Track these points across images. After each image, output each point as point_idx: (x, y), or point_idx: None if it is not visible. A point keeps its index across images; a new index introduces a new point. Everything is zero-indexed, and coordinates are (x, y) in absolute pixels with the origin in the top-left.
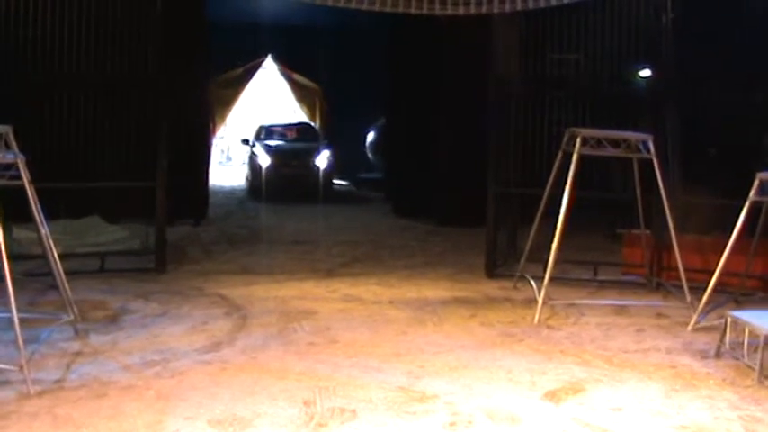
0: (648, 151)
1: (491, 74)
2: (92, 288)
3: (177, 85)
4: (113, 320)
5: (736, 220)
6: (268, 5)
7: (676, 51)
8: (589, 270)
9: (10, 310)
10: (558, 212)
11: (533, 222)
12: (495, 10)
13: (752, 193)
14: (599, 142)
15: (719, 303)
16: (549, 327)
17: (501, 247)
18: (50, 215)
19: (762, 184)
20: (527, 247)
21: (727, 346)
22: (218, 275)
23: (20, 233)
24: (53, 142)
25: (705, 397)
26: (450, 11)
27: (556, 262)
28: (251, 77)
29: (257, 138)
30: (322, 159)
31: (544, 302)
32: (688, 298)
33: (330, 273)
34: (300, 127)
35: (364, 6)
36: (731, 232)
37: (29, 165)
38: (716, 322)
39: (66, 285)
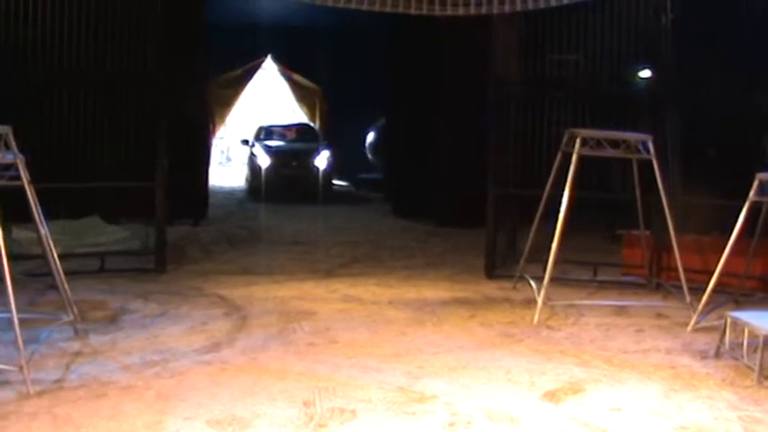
0: (648, 152)
1: (490, 74)
2: (91, 288)
3: (177, 83)
4: (113, 321)
5: (736, 221)
6: (268, 6)
7: (676, 52)
8: (589, 271)
9: (10, 311)
10: (558, 213)
11: (533, 223)
12: (495, 11)
13: (751, 193)
14: (598, 143)
15: (719, 304)
16: (548, 327)
17: (500, 248)
18: (50, 215)
19: (761, 184)
20: (526, 248)
21: (727, 346)
22: (218, 276)
23: (19, 233)
24: (52, 142)
25: (705, 397)
26: (449, 11)
27: (555, 262)
28: (251, 78)
29: (257, 138)
30: (321, 160)
31: (543, 303)
32: (688, 298)
33: (330, 273)
34: (300, 127)
35: (364, 7)
36: (731, 233)
37: (28, 165)
38: (715, 323)
39: (66, 285)
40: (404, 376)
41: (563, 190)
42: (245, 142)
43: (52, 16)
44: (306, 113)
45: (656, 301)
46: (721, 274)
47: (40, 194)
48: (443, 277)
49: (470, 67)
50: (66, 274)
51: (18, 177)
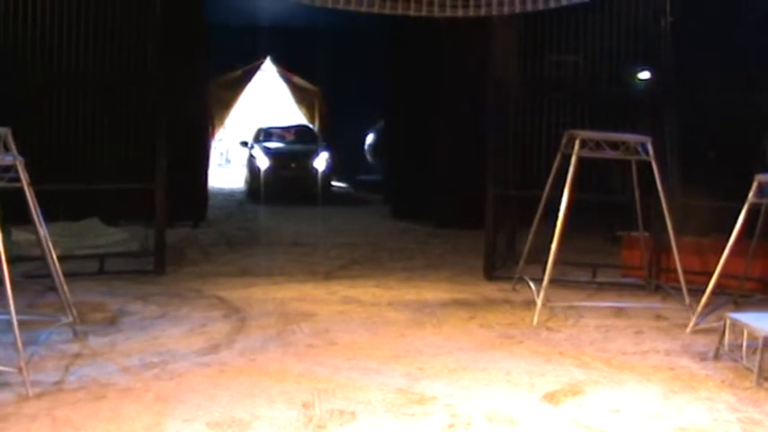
0: (647, 153)
1: (490, 76)
2: (91, 290)
3: (176, 84)
4: (112, 322)
5: (735, 222)
6: (267, 7)
7: (675, 54)
8: (588, 272)
9: (9, 312)
10: (557, 214)
11: (532, 224)
12: (494, 12)
13: (750, 194)
14: (598, 144)
15: (718, 305)
16: (548, 329)
17: (500, 249)
18: (50, 217)
19: (760, 185)
20: (526, 249)
21: (726, 348)
22: (217, 277)
23: (19, 235)
24: (52, 143)
25: (704, 399)
26: (448, 13)
27: (555, 264)
28: (250, 79)
29: (256, 140)
30: (320, 161)
31: (543, 304)
32: (687, 300)
33: (329, 275)
34: (299, 129)
35: (363, 8)
36: (730, 234)
37: (28, 166)
38: (715, 324)
39: (65, 287)
40: (403, 378)
41: (562, 191)
42: (245, 144)
43: (51, 17)
44: (305, 115)
45: (655, 303)
46: (720, 276)
47: (39, 196)
48: (443, 279)
49: (470, 69)
50: (65, 275)
51: (17, 179)
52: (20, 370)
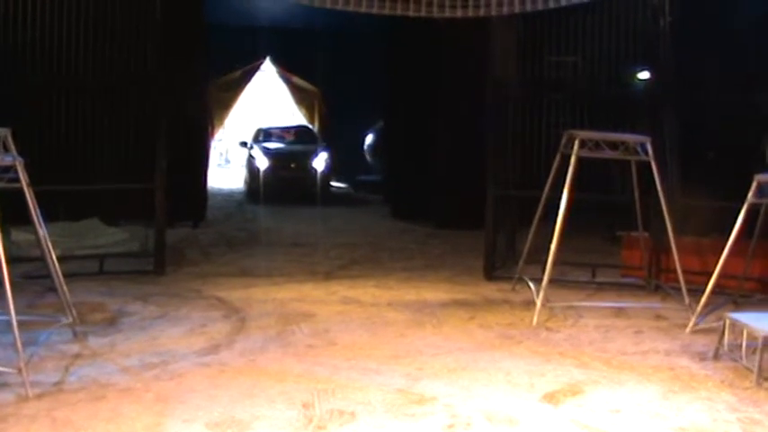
0: (647, 153)
1: (489, 76)
2: (90, 290)
3: (176, 84)
4: (112, 323)
5: (735, 223)
6: (267, 8)
7: (674, 54)
8: (588, 272)
9: (8, 313)
10: (557, 214)
11: (532, 224)
12: (493, 12)
13: (750, 195)
14: (597, 144)
15: (718, 305)
16: (547, 329)
17: (500, 250)
18: (49, 217)
19: (760, 186)
20: (525, 250)
21: (726, 348)
22: (217, 278)
23: (18, 235)
24: (52, 144)
25: (703, 399)
26: (447, 13)
27: (554, 264)
28: (250, 80)
29: (255, 140)
30: (319, 162)
31: (543, 304)
32: (686, 300)
33: (329, 275)
34: (298, 129)
35: (362, 9)
36: (729, 234)
37: (27, 167)
38: (714, 324)
39: (65, 288)
40: (403, 378)
41: (562, 191)
42: (244, 144)
43: (51, 18)
44: (305, 115)
45: (654, 303)
46: (720, 276)
47: (39, 196)
48: (443, 279)
49: (469, 69)
50: (65, 276)
51: (17, 179)
52: (19, 370)
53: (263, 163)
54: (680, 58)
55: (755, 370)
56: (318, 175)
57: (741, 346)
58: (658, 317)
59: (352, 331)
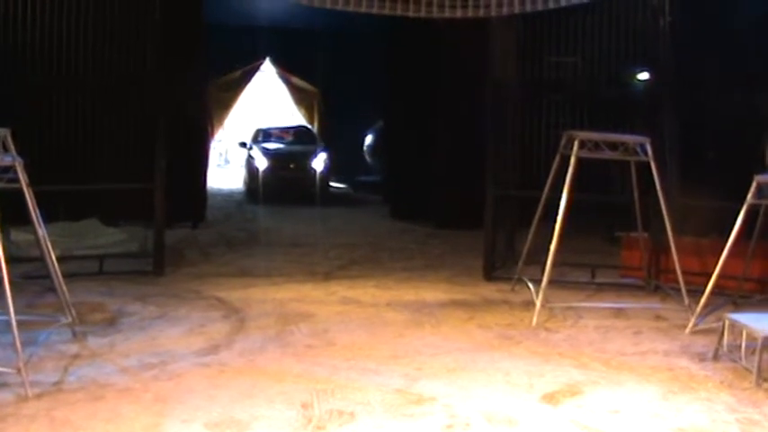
0: (646, 154)
1: (489, 77)
2: (90, 290)
3: (175, 85)
4: (111, 323)
5: (734, 223)
6: (266, 8)
7: (674, 54)
8: (587, 273)
9: (8, 313)
10: (557, 215)
11: (531, 225)
12: (493, 13)
13: (749, 195)
14: (596, 145)
15: (717, 306)
16: (546, 329)
17: (499, 250)
18: (49, 217)
19: (759, 186)
20: (525, 250)
21: (725, 348)
22: (216, 278)
23: (18, 236)
24: (51, 144)
25: (703, 399)
26: (447, 14)
27: (554, 265)
28: (249, 80)
29: (254, 140)
30: (319, 162)
31: (542, 305)
32: (686, 301)
33: (328, 275)
34: (297, 130)
35: (362, 9)
36: (729, 235)
37: (27, 167)
38: (714, 325)
39: (64, 288)
40: (402, 378)
41: (561, 192)
42: (243, 144)
43: (51, 18)
44: (304, 116)
45: (654, 304)
46: (719, 277)
47: (38, 197)
48: (442, 279)
49: (469, 70)
50: (64, 276)
51: (17, 180)
52: (19, 370)
53: (262, 163)
54: (679, 58)
55: (755, 371)
56: (317, 175)
57: (740, 346)
58: (658, 317)
59: (351, 331)
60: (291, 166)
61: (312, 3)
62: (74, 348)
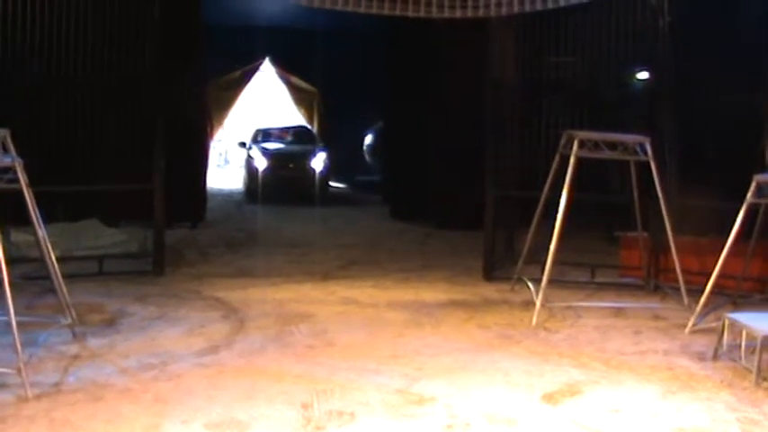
0: (645, 154)
1: (488, 77)
2: (89, 291)
3: (175, 84)
4: (111, 323)
5: (734, 223)
6: (265, 8)
7: (673, 54)
8: (587, 272)
9: (8, 314)
10: (556, 215)
11: (531, 225)
12: (492, 13)
13: (749, 195)
14: (596, 145)
15: (717, 305)
16: (546, 329)
17: (499, 250)
18: (49, 218)
19: (759, 186)
20: (524, 250)
21: (725, 348)
22: (216, 278)
23: (18, 236)
24: (51, 144)
25: (702, 399)
26: (446, 14)
27: (553, 264)
28: (249, 80)
29: (254, 141)
30: (318, 162)
31: (542, 305)
32: (686, 300)
33: (327, 276)
34: (297, 130)
35: (361, 9)
36: (728, 234)
37: (26, 168)
38: (713, 324)
39: (64, 288)
40: (402, 378)
41: (561, 192)
42: (243, 145)
43: (50, 19)
44: (304, 116)
45: (653, 303)
46: (719, 276)
47: (38, 197)
48: (441, 279)
49: (468, 70)
50: (64, 277)
51: (16, 180)
52: (18, 371)
53: (261, 163)
54: (679, 58)
55: (754, 370)
56: (317, 175)
57: (740, 346)
58: (657, 317)
59: (350, 332)
60: (291, 166)
61: (312, 3)
62: (73, 349)
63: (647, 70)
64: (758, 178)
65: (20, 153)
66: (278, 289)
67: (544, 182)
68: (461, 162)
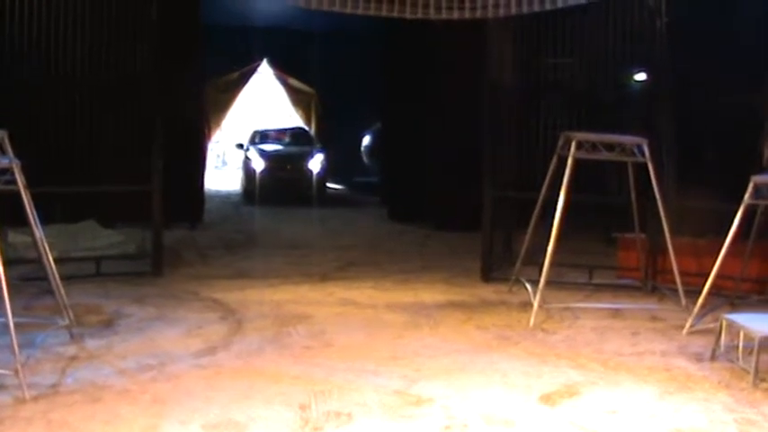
0: (643, 155)
1: (486, 78)
2: (87, 292)
3: (173, 86)
4: (109, 325)
5: (731, 224)
6: (263, 9)
7: (671, 55)
8: (584, 273)
9: (5, 315)
10: (554, 216)
11: (529, 226)
12: (489, 14)
13: (746, 196)
14: (594, 146)
15: (715, 306)
16: (544, 330)
17: (497, 251)
18: (46, 219)
19: (756, 187)
20: (522, 251)
21: (722, 349)
22: (214, 279)
23: (15, 237)
24: (49, 146)
25: (700, 400)
26: (444, 15)
27: (551, 265)
28: (247, 81)
29: (251, 142)
30: (315, 163)
31: (539, 306)
32: (683, 301)
33: (325, 277)
34: (294, 131)
35: (359, 11)
36: (726, 235)
37: (24, 169)
38: (711, 325)
39: (62, 290)
40: (400, 379)
41: (559, 193)
42: (240, 146)
43: (48, 19)
44: (301, 117)
45: (651, 304)
46: (717, 277)
47: (35, 198)
48: (440, 280)
49: (466, 71)
50: (61, 278)
51: (14, 181)
52: (16, 372)
53: (258, 165)
54: (676, 59)
55: (752, 371)
56: (314, 176)
57: (738, 347)
58: (655, 318)
59: (348, 333)
60: (288, 167)
61: (309, 4)
62: (71, 350)
63: (644, 71)
64: (756, 179)
65: (17, 154)
66: (276, 290)
67: (542, 183)
68: (459, 163)
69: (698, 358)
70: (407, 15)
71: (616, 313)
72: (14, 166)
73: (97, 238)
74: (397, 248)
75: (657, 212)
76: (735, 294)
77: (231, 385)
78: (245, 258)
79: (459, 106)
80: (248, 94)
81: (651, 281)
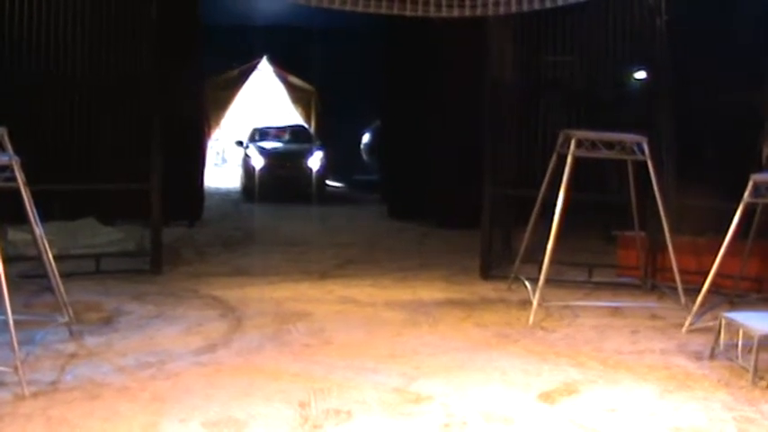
0: (643, 153)
1: (486, 76)
2: (87, 289)
3: (172, 83)
4: (108, 322)
5: (731, 222)
6: (263, 7)
7: (670, 53)
8: (584, 272)
9: (5, 312)
10: (554, 214)
11: (528, 224)
12: (490, 12)
13: (746, 194)
14: (593, 144)
15: (714, 305)
16: (543, 328)
17: (496, 249)
18: (46, 216)
19: (756, 185)
20: (522, 249)
21: (722, 347)
22: (213, 277)
23: (15, 235)
24: (48, 143)
25: (699, 398)
26: (444, 13)
27: (551, 263)
28: (246, 79)
29: (251, 140)
30: (315, 161)
31: (539, 304)
32: (683, 299)
33: (325, 274)
34: (294, 129)
35: (359, 8)
36: (726, 234)
37: (23, 166)
38: (710, 324)
39: (61, 287)
40: (399, 377)
41: (558, 191)
42: (240, 144)
43: (48, 17)
44: (301, 115)
45: (651, 303)
46: (716, 276)
47: (35, 195)
48: (439, 278)
49: (466, 69)
50: (61, 275)
51: (14, 179)
52: (16, 369)
53: (258, 162)
54: (676, 57)
55: (751, 369)
56: (314, 174)
57: (737, 345)
58: (654, 316)
59: (348, 330)
60: (288, 165)
61: (309, 2)
62: (71, 347)
63: (644, 70)
64: (755, 178)
65: (17, 151)
66: (275, 288)
67: (542, 181)
68: (459, 161)
69: (697, 356)
70: (408, 13)
71: (616, 311)
72: (14, 163)
73: (97, 236)
74: (396, 246)
75: (657, 211)
76: (734, 293)
77: (231, 383)
78: (245, 256)
79: (459, 104)
80: (248, 92)
81: (651, 279)
